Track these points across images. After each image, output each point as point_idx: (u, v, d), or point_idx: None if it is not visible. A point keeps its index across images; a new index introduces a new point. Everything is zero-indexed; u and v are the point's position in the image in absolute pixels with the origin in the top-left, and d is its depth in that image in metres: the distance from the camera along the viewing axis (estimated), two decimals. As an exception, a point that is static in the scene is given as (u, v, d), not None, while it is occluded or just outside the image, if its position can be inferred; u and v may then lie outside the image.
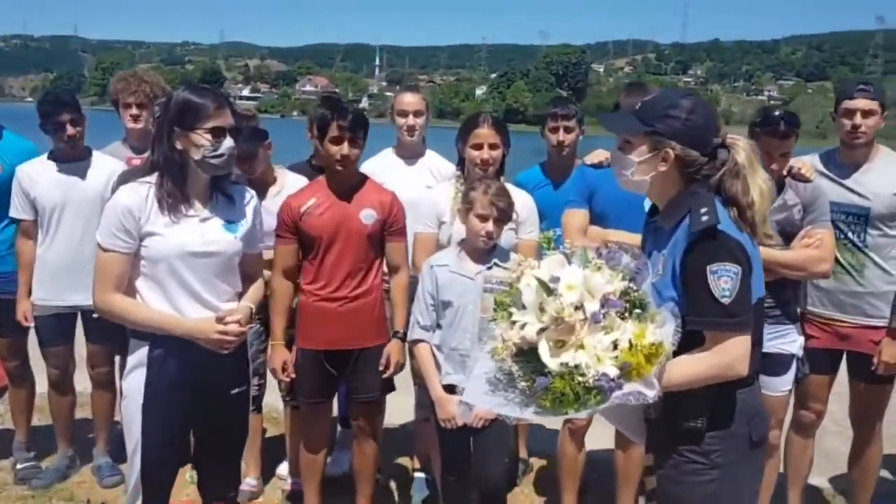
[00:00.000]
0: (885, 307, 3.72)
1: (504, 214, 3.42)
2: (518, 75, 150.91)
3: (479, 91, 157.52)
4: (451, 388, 3.46)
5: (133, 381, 2.91)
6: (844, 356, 3.90)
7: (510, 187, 3.77)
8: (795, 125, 3.49)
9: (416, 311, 3.58)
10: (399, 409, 4.56)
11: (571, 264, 2.27)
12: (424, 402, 3.85)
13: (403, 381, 4.02)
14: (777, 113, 3.52)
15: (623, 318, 2.17)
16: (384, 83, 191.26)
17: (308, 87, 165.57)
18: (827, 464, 4.79)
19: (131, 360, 2.93)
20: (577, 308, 2.14)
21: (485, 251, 3.47)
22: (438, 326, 3.52)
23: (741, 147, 2.31)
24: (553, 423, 4.13)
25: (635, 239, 3.40)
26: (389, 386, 3.89)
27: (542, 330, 2.18)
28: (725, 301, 2.14)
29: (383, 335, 3.80)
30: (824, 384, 3.90)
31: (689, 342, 2.20)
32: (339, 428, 4.80)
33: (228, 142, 2.85)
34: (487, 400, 2.32)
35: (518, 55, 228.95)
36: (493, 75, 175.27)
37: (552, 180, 4.35)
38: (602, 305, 2.15)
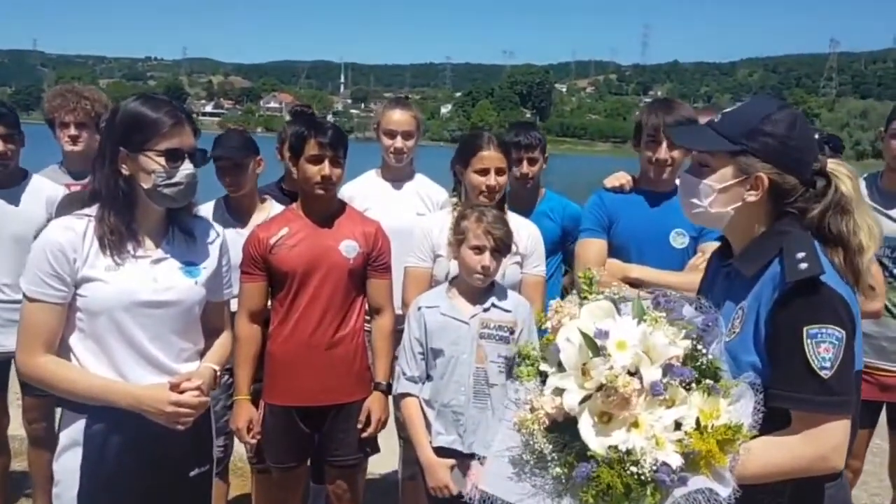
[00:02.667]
0: None
1: (502, 245, 3.01)
2: (483, 94, 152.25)
3: (444, 109, 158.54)
4: (442, 450, 3.01)
5: (66, 465, 2.38)
6: (885, 407, 3.53)
7: (513, 216, 3.38)
8: (839, 150, 3.08)
9: (402, 361, 3.14)
10: (381, 457, 4.02)
11: (621, 315, 1.80)
12: (410, 458, 3.39)
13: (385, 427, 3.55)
14: (817, 136, 3.11)
15: (688, 390, 1.71)
16: (349, 100, 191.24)
17: (273, 104, 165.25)
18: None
19: (64, 437, 2.39)
20: (632, 374, 1.68)
21: (481, 290, 3.06)
22: (428, 378, 3.09)
23: (845, 175, 1.88)
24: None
25: (661, 277, 2.99)
26: (372, 446, 3.44)
27: (584, 399, 1.70)
28: (825, 374, 1.69)
29: (366, 388, 3.36)
30: (863, 439, 3.55)
31: (770, 420, 1.73)
32: (311, 484, 4.25)
33: (187, 167, 2.35)
34: (511, 489, 1.81)
35: (482, 74, 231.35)
36: (458, 94, 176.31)
37: (515, 213, 3.91)
38: (664, 373, 1.69)
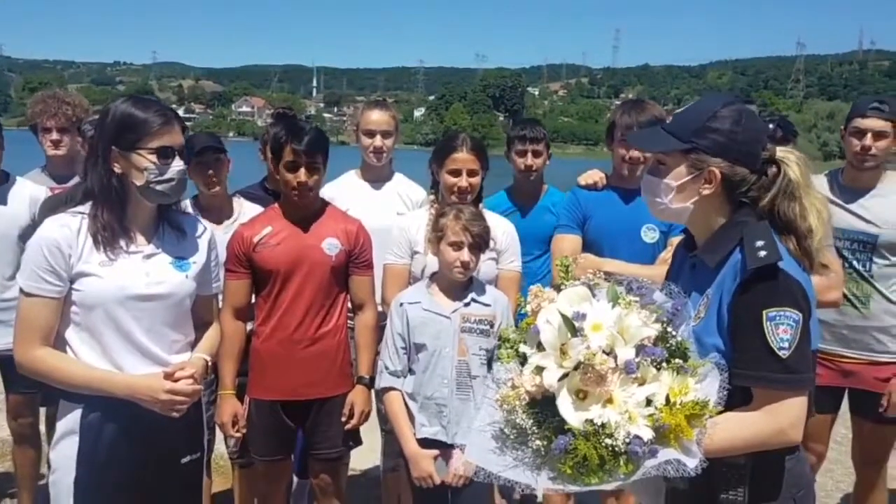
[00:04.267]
0: (892, 342, 3.51)
1: (480, 241, 3.10)
2: (456, 97, 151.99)
3: (418, 113, 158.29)
4: (426, 442, 3.09)
5: (63, 453, 2.44)
6: (846, 393, 3.67)
7: (488, 213, 3.47)
8: (792, 132, 3.25)
9: (384, 356, 3.22)
10: (361, 452, 4.11)
11: (597, 299, 1.92)
12: (392, 451, 3.47)
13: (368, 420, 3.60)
14: (771, 124, 3.30)
15: (658, 369, 1.83)
16: (322, 104, 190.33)
17: (245, 108, 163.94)
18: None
19: (61, 426, 2.46)
20: (606, 354, 1.80)
21: (461, 285, 3.15)
22: (411, 371, 3.17)
23: (793, 161, 1.99)
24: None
25: (633, 270, 3.11)
26: (355, 439, 3.51)
27: (563, 377, 1.82)
28: (783, 353, 1.81)
29: (348, 382, 3.42)
30: (826, 424, 3.66)
31: (729, 398, 1.85)
32: (294, 480, 4.32)
33: (178, 164, 2.43)
34: (493, 461, 1.92)
35: (455, 78, 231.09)
36: (431, 97, 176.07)
37: (519, 206, 4.07)
38: (637, 353, 1.81)
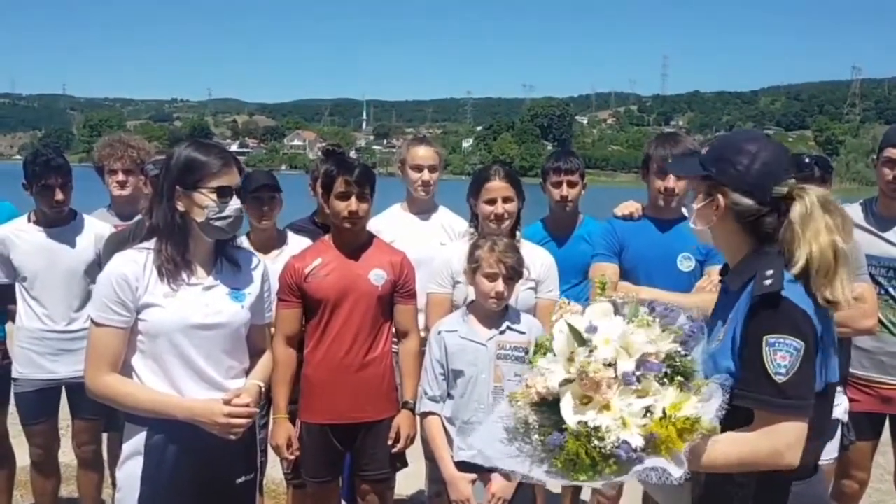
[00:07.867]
0: None
1: (514, 272, 3.20)
2: (504, 127, 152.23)
3: (466, 143, 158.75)
4: (464, 465, 3.17)
5: (129, 472, 2.62)
6: (887, 420, 3.66)
7: (528, 244, 3.58)
8: (829, 170, 3.33)
9: (424, 381, 3.34)
10: (408, 477, 4.24)
11: (617, 315, 2.06)
12: (436, 477, 3.57)
13: (413, 445, 3.71)
14: (808, 159, 3.39)
15: (663, 384, 1.94)
16: (371, 137, 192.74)
17: (297, 142, 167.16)
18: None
19: (127, 447, 2.64)
20: (608, 365, 1.93)
21: (496, 314, 3.26)
22: (450, 397, 3.29)
23: (805, 196, 2.01)
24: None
25: (669, 297, 3.19)
26: (401, 461, 3.62)
27: (566, 381, 1.97)
28: (779, 379, 1.88)
29: (394, 407, 3.55)
30: (868, 451, 3.67)
31: (737, 418, 1.94)
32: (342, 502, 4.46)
33: (235, 203, 2.62)
34: (499, 449, 2.06)
35: (503, 108, 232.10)
36: (479, 128, 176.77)
37: (555, 236, 4.17)
38: (637, 367, 1.94)
